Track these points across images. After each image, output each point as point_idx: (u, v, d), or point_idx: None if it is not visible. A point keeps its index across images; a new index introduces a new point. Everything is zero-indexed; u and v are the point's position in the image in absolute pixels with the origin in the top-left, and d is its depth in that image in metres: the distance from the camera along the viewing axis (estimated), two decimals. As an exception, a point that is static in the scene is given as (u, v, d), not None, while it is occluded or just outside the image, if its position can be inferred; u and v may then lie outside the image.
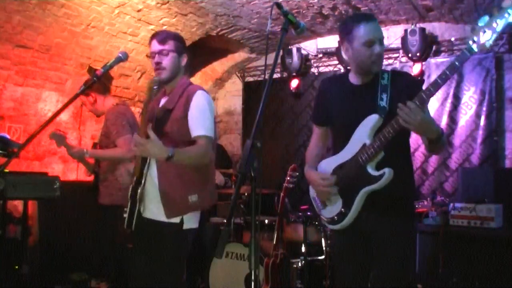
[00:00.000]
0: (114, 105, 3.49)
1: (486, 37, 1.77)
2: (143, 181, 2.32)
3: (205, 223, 4.37)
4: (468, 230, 3.57)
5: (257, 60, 6.22)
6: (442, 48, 4.92)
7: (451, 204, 3.73)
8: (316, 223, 3.88)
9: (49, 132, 3.41)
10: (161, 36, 2.38)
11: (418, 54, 4.67)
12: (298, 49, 5.53)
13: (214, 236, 4.42)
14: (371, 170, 2.02)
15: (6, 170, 3.35)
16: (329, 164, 2.21)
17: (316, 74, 5.71)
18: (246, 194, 4.24)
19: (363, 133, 2.05)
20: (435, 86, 1.85)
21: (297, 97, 5.75)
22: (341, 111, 2.17)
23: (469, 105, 4.63)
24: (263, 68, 6.12)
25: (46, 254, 4.24)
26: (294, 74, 5.56)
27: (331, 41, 5.58)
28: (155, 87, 2.31)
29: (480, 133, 4.54)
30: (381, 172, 1.99)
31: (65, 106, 2.03)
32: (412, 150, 2.27)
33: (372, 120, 2.04)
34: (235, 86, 6.55)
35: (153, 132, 2.06)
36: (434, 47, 4.86)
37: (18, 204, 4.08)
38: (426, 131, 1.91)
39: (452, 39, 4.83)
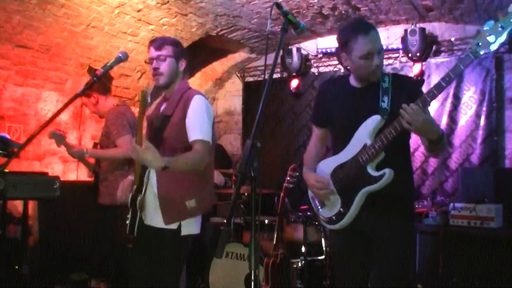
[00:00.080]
0: (114, 105, 3.50)
1: (491, 41, 1.78)
2: (143, 190, 2.33)
3: (205, 223, 4.37)
4: (468, 230, 3.57)
5: (257, 60, 6.22)
6: (442, 48, 4.92)
7: (451, 204, 3.73)
8: (316, 223, 3.87)
9: (49, 132, 3.41)
10: (158, 42, 2.38)
11: (418, 54, 4.67)
12: (298, 49, 5.53)
13: (214, 236, 4.43)
14: (371, 170, 2.02)
15: (6, 170, 3.35)
16: (328, 164, 2.21)
17: (316, 74, 5.71)
18: (246, 194, 4.24)
19: (364, 133, 2.06)
20: (439, 89, 1.86)
21: (297, 97, 5.74)
22: (342, 112, 2.18)
23: (469, 105, 4.63)
24: (263, 68, 6.11)
25: (46, 254, 4.24)
26: (294, 74, 5.56)
27: (331, 41, 5.58)
28: (148, 99, 2.33)
29: (480, 133, 4.53)
30: (381, 172, 1.99)
31: (65, 106, 2.03)
32: (412, 150, 2.28)
33: (374, 121, 2.04)
34: (235, 86, 6.55)
35: (148, 141, 2.08)
36: (434, 47, 4.86)
37: (18, 204, 4.08)
38: (427, 132, 1.92)
39: (452, 39, 4.83)
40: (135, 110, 4.62)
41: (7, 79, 4.37)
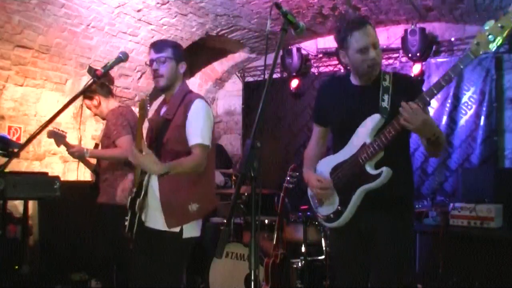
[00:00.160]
0: (116, 107, 3.51)
1: (491, 41, 1.78)
2: (142, 193, 2.33)
3: (205, 223, 4.37)
4: (468, 230, 3.57)
5: (257, 60, 6.22)
6: (442, 48, 4.92)
7: (451, 204, 3.73)
8: (316, 223, 3.87)
9: (48, 131, 3.42)
10: (158, 45, 2.39)
11: (418, 54, 4.67)
12: (298, 49, 5.53)
13: (214, 236, 4.42)
14: (369, 169, 2.02)
15: (6, 170, 3.35)
16: (328, 163, 2.21)
17: (316, 74, 5.71)
18: (246, 194, 4.24)
19: (364, 132, 2.06)
20: (438, 88, 1.86)
21: (297, 97, 5.74)
22: (342, 110, 2.18)
23: (469, 105, 4.63)
24: (263, 68, 6.12)
25: (46, 254, 4.24)
26: (294, 74, 5.56)
27: (331, 41, 5.57)
28: (148, 107, 2.34)
29: (480, 133, 4.54)
30: (379, 171, 1.99)
31: (65, 106, 2.03)
32: (412, 150, 2.28)
33: (374, 119, 2.04)
34: (235, 86, 6.55)
35: (149, 145, 2.09)
36: (434, 47, 4.86)
37: (18, 204, 4.08)
38: (426, 132, 1.93)
39: (452, 39, 4.82)
40: (135, 110, 4.64)
41: (7, 79, 4.37)
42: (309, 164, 2.33)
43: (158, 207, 2.30)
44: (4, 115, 4.43)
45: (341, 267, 2.24)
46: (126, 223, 2.37)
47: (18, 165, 4.49)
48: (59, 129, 3.53)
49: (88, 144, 4.99)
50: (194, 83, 6.22)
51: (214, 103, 6.69)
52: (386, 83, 2.10)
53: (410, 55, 4.73)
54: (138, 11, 4.43)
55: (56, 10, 4.12)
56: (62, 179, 3.93)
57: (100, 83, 3.47)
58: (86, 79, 4.45)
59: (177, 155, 2.25)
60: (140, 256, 2.40)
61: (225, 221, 4.41)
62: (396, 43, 5.01)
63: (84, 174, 5.02)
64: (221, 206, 4.91)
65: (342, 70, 5.35)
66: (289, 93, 5.73)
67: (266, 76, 1.76)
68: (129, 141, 3.30)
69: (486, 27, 1.79)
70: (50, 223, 4.28)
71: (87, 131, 5.21)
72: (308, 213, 3.87)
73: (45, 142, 4.67)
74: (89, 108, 3.69)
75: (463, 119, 4.65)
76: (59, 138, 3.51)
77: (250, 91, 6.27)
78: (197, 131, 2.28)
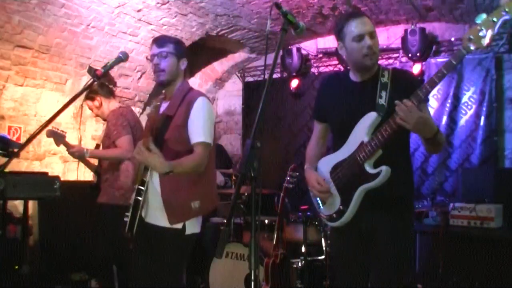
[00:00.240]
0: (117, 107, 3.53)
1: (483, 36, 1.76)
2: (144, 189, 2.32)
3: (205, 223, 4.37)
4: (468, 230, 3.57)
5: (257, 60, 6.22)
6: (442, 48, 4.92)
7: (451, 204, 3.73)
8: (316, 223, 3.88)
9: (47, 130, 3.42)
10: (160, 40, 2.40)
11: (418, 54, 4.67)
12: (298, 49, 5.53)
13: (214, 236, 4.42)
14: (368, 168, 2.02)
15: (6, 170, 3.35)
16: (328, 161, 2.21)
17: (316, 74, 5.71)
18: (246, 194, 4.24)
19: (362, 131, 2.05)
20: (432, 84, 1.85)
21: (297, 97, 5.74)
22: (340, 108, 2.18)
23: (469, 105, 4.63)
24: (263, 68, 6.12)
25: (46, 254, 4.24)
26: (294, 74, 5.56)
27: (331, 41, 5.58)
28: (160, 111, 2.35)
29: (480, 133, 4.54)
30: (378, 170, 1.98)
31: (65, 106, 2.03)
32: (412, 150, 2.27)
33: (370, 118, 2.04)
34: (235, 86, 6.55)
35: (153, 144, 2.09)
36: (434, 47, 4.86)
37: (18, 204, 4.08)
38: (423, 130, 1.91)
39: (452, 39, 4.82)
40: (135, 110, 4.64)
41: (7, 79, 4.37)
42: (309, 163, 2.33)
43: (159, 204, 2.29)
44: (4, 115, 4.43)
45: (341, 267, 2.23)
46: (126, 219, 2.36)
47: (18, 165, 4.49)
48: (58, 129, 3.53)
49: (88, 144, 4.99)
50: (194, 83, 6.22)
51: (214, 103, 6.69)
52: (384, 79, 2.09)
53: (410, 55, 4.73)
54: (138, 11, 4.43)
55: (56, 10, 4.12)
56: (62, 179, 3.94)
57: (101, 84, 3.49)
58: (86, 79, 4.45)
59: (177, 154, 2.24)
60: (140, 256, 2.39)
61: (225, 221, 4.41)
62: (396, 43, 5.01)
63: (84, 174, 5.02)
64: (221, 206, 4.91)
65: (342, 70, 5.35)
66: (289, 93, 5.73)
67: (266, 76, 1.76)
68: (129, 141, 3.31)
69: (478, 21, 1.77)
70: (50, 223, 4.28)
71: (87, 131, 5.21)
72: (308, 213, 3.87)
73: (45, 142, 4.67)
74: (90, 109, 3.71)
75: (463, 119, 4.65)
76: (58, 137, 3.52)
77: (250, 91, 6.27)
78: (199, 129, 2.28)
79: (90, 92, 3.54)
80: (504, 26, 4.35)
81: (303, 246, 3.67)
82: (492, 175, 3.85)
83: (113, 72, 4.77)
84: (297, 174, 3.60)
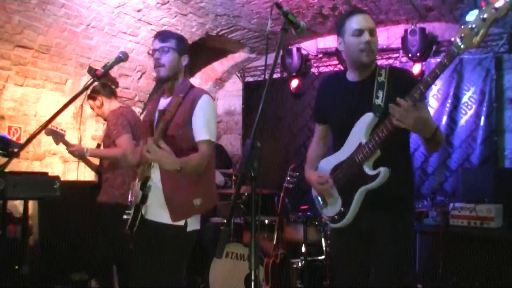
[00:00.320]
0: (117, 107, 3.53)
1: (474, 35, 1.73)
2: (148, 185, 2.32)
3: (205, 223, 4.37)
4: (468, 230, 3.57)
5: (257, 60, 6.22)
6: (442, 48, 4.92)
7: (451, 204, 3.73)
8: (316, 223, 3.88)
9: (46, 129, 3.42)
10: (163, 35, 2.39)
11: (418, 54, 4.67)
12: (298, 49, 5.53)
13: (214, 236, 4.42)
14: (367, 169, 2.02)
15: (6, 170, 3.35)
16: (329, 162, 2.21)
17: (316, 74, 5.71)
18: (246, 194, 4.24)
19: (359, 132, 2.05)
20: (425, 85, 1.84)
21: (297, 97, 5.74)
22: (338, 109, 2.18)
23: (469, 105, 4.63)
24: (263, 68, 6.12)
25: (46, 254, 4.24)
26: (294, 74, 5.56)
27: (331, 41, 5.58)
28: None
29: (480, 133, 4.53)
30: (376, 171, 1.98)
31: (65, 106, 2.02)
32: (412, 150, 2.26)
33: (367, 118, 2.04)
34: (235, 86, 6.55)
35: (163, 142, 2.09)
36: (434, 47, 4.85)
37: (18, 204, 4.08)
38: (422, 130, 1.90)
39: (452, 39, 4.80)
40: (136, 110, 4.64)
41: (7, 79, 4.37)
42: (310, 165, 2.33)
43: (161, 201, 2.28)
44: (4, 115, 4.43)
45: (341, 267, 2.23)
46: (125, 216, 2.35)
47: (18, 165, 4.49)
48: (57, 128, 3.54)
49: (88, 144, 4.99)
50: (194, 83, 6.11)
51: (214, 103, 6.69)
52: (381, 78, 2.08)
53: (410, 55, 4.73)
54: (138, 11, 4.43)
55: (56, 10, 4.12)
56: (62, 179, 3.94)
57: (104, 84, 3.50)
58: (86, 79, 4.44)
59: (180, 151, 2.23)
60: (140, 256, 2.39)
61: (225, 221, 4.40)
62: (396, 43, 5.01)
63: (84, 174, 5.02)
64: (221, 206, 4.91)
65: (341, 70, 5.35)
66: (289, 93, 5.73)
67: (266, 76, 1.76)
68: (128, 140, 3.31)
69: (469, 18, 1.74)
70: (50, 223, 4.28)
71: (87, 131, 5.21)
72: (308, 213, 3.87)
73: (45, 142, 4.68)
74: (92, 108, 3.73)
75: (463, 119, 4.65)
76: (57, 136, 3.52)
77: (250, 91, 6.27)
78: (205, 127, 2.29)
79: (92, 92, 3.56)
80: (504, 26, 4.37)
81: (303, 246, 3.67)
82: (492, 175, 3.85)
83: (113, 72, 4.77)
84: (297, 174, 3.60)
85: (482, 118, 4.54)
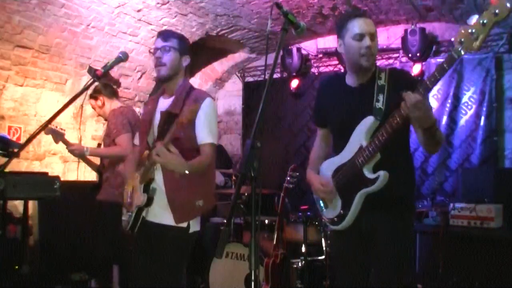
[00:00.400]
0: (118, 107, 3.54)
1: (473, 39, 1.71)
2: (152, 187, 2.32)
3: (205, 223, 4.37)
4: (468, 230, 3.57)
5: (257, 60, 6.22)
6: (442, 48, 4.92)
7: (451, 204, 3.73)
8: (316, 223, 3.87)
9: (46, 128, 3.41)
10: (165, 34, 2.39)
11: (418, 54, 4.67)
12: (298, 49, 5.53)
13: (214, 236, 4.43)
14: (367, 172, 2.02)
15: (6, 170, 3.35)
16: (330, 165, 2.21)
17: (316, 74, 5.71)
18: (246, 194, 4.24)
19: (360, 135, 2.06)
20: (424, 90, 1.81)
21: (297, 97, 5.74)
22: (338, 112, 2.18)
23: (469, 105, 4.63)
24: (263, 68, 6.12)
25: (46, 254, 4.24)
26: (294, 74, 5.56)
27: (331, 41, 5.58)
28: None
29: (480, 133, 4.53)
30: (376, 175, 1.99)
31: (65, 106, 2.03)
32: (412, 150, 2.26)
33: (367, 122, 2.04)
34: (235, 86, 6.55)
35: (173, 146, 2.09)
36: (434, 47, 4.85)
37: (18, 204, 4.08)
38: (423, 117, 1.84)
39: (452, 39, 4.80)
40: (137, 110, 4.64)
41: (7, 79, 4.37)
42: (312, 166, 2.33)
43: (163, 202, 2.29)
44: (4, 115, 4.43)
45: (341, 267, 2.23)
46: (124, 218, 2.36)
47: (18, 165, 4.49)
48: (57, 127, 3.54)
49: (88, 144, 4.99)
50: (194, 83, 6.21)
51: (215, 104, 6.69)
52: (381, 81, 2.08)
53: (410, 55, 4.73)
54: (138, 11, 4.43)
55: (56, 10, 4.12)
56: (62, 179, 3.94)
57: (105, 84, 3.51)
58: (86, 79, 4.45)
59: (182, 152, 2.22)
60: (140, 256, 2.39)
61: (225, 221, 4.40)
62: (396, 43, 5.01)
63: (84, 174, 5.02)
64: (221, 206, 4.91)
65: (342, 71, 5.35)
66: (289, 93, 5.73)
67: (266, 76, 1.76)
68: (128, 139, 3.32)
69: (470, 22, 1.73)
70: (50, 223, 4.28)
71: (87, 131, 5.21)
72: (308, 213, 3.87)
73: (45, 142, 4.68)
74: (93, 108, 3.74)
75: (463, 119, 4.65)
76: (57, 135, 3.53)
77: (250, 91, 6.27)
78: (208, 130, 2.31)
79: (94, 92, 3.58)
80: (504, 26, 4.37)
81: (303, 246, 3.67)
82: (492, 175, 3.85)
83: (113, 72, 4.78)
84: (297, 174, 3.60)
85: (482, 118, 4.54)
